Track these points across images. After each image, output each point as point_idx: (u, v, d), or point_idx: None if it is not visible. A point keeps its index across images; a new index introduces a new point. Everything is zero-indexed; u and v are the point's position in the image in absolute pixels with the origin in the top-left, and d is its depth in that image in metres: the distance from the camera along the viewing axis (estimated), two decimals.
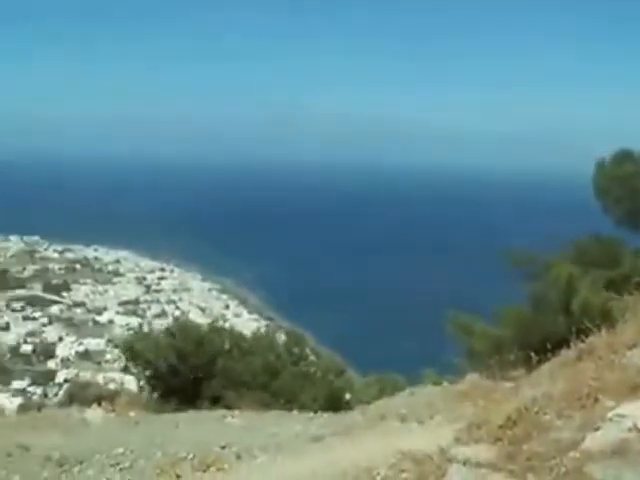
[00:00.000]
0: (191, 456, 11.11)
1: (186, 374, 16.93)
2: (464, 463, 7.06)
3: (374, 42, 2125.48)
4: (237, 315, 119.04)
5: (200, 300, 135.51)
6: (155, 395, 17.55)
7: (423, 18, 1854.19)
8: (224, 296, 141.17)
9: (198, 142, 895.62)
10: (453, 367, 18.14)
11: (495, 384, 13.22)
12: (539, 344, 12.99)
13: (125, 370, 18.93)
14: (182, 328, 18.65)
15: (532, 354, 11.78)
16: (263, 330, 26.85)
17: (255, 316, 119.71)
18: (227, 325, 21.28)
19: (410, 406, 13.59)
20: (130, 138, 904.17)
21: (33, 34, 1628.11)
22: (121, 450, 11.54)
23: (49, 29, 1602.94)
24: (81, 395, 16.40)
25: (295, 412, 14.93)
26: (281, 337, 19.69)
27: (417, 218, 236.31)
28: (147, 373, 17.79)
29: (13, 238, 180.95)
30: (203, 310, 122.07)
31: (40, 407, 19.50)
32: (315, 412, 14.71)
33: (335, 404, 16.63)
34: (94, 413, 13.80)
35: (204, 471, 10.63)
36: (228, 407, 15.28)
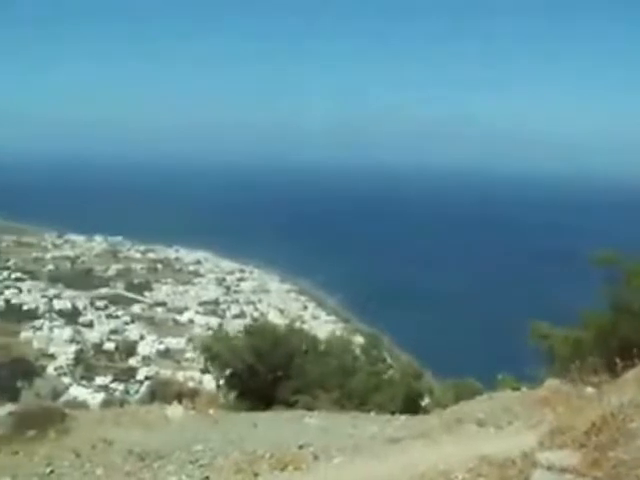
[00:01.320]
0: (269, 455, 11.16)
1: (263, 374, 17.03)
2: (548, 468, 6.97)
3: (457, 45, 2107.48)
4: (315, 317, 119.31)
5: (278, 301, 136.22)
6: (233, 394, 17.71)
7: (512, 21, 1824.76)
8: (302, 297, 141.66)
9: (277, 143, 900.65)
10: (532, 372, 17.88)
11: (576, 390, 12.98)
12: (621, 350, 12.71)
13: (204, 369, 19.15)
14: (259, 329, 18.77)
15: (617, 360, 11.52)
16: (340, 332, 26.86)
17: (333, 318, 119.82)
18: (305, 327, 21.31)
19: (488, 411, 13.44)
20: (205, 142, 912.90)
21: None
22: (200, 447, 11.67)
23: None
24: (162, 392, 16.64)
25: (372, 414, 14.90)
26: (359, 339, 19.67)
27: (500, 220, 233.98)
28: (225, 373, 17.95)
29: (97, 238, 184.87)
30: (281, 311, 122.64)
31: (123, 403, 19.85)
32: (392, 414, 14.66)
33: (412, 407, 16.54)
34: (175, 410, 13.97)
35: (281, 470, 10.66)
36: (305, 407, 15.34)
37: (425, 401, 18.06)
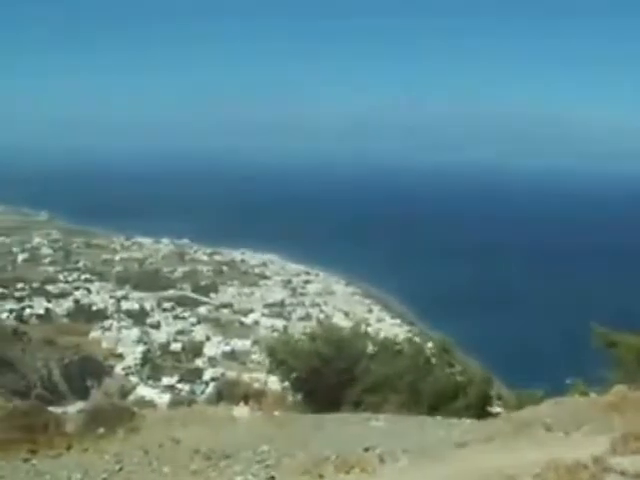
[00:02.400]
0: (334, 457, 11.15)
1: (329, 377, 17.03)
2: (622, 473, 6.86)
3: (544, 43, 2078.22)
4: (380, 320, 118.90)
5: (343, 304, 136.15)
6: (299, 396, 17.75)
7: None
8: (367, 300, 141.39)
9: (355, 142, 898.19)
10: (600, 378, 17.60)
11: None
12: None
13: (270, 371, 19.22)
14: (325, 332, 18.78)
15: None
16: (405, 335, 26.76)
17: (398, 321, 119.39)
18: (370, 330, 21.24)
19: (555, 416, 13.26)
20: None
21: None
22: (266, 448, 11.73)
23: None
24: (229, 393, 16.79)
25: (438, 417, 14.81)
26: (425, 343, 19.54)
27: (572, 222, 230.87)
28: (291, 375, 17.99)
29: (165, 240, 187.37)
30: (346, 314, 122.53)
31: (190, 403, 20.06)
32: (459, 418, 14.55)
33: (480, 411, 16.39)
34: (241, 411, 14.09)
35: (347, 472, 10.64)
36: (371, 410, 15.30)
37: (493, 406, 17.87)
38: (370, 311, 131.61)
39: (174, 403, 44.48)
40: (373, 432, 12.87)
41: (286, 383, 18.28)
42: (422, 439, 12.30)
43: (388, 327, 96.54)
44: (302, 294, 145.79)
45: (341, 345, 17.32)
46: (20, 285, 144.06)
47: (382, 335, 19.76)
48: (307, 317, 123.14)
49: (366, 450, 11.53)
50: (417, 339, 20.14)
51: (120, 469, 10.94)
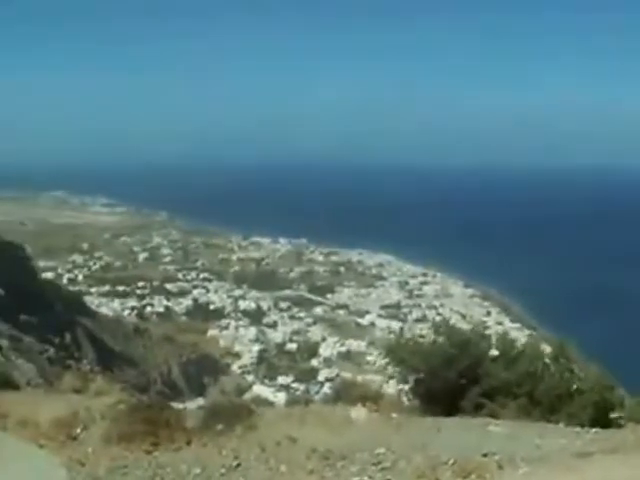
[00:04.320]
0: (452, 461, 11.00)
1: (449, 380, 16.81)
2: None
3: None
4: (499, 323, 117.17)
5: (461, 306, 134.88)
6: (417, 399, 17.59)
7: None
8: (486, 303, 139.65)
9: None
10: None
11: None
12: None
13: (387, 373, 19.14)
14: (446, 333, 18.55)
15: None
16: (526, 339, 26.21)
17: (517, 325, 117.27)
18: (489, 333, 20.88)
19: None
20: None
21: None
22: (383, 450, 11.65)
23: None
24: (347, 394, 16.76)
25: (560, 425, 14.41)
26: (545, 347, 19.06)
27: None
28: (409, 377, 17.86)
29: (282, 241, 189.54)
30: (464, 317, 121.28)
31: (307, 402, 20.14)
32: (581, 426, 14.11)
33: (603, 419, 15.87)
34: (358, 412, 14.03)
35: (464, 477, 10.48)
36: (491, 415, 15.04)
37: (616, 414, 17.27)
38: (488, 314, 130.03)
39: (290, 402, 44.91)
40: (492, 437, 12.62)
41: (404, 385, 18.16)
42: (542, 447, 11.98)
43: (507, 331, 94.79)
44: (419, 296, 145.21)
45: (463, 346, 17.06)
46: (141, 283, 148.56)
47: (502, 337, 19.31)
48: (424, 319, 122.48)
49: (484, 456, 11.32)
50: (537, 343, 19.64)
51: (237, 465, 11.07)
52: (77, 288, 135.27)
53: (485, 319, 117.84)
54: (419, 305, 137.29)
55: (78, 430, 12.21)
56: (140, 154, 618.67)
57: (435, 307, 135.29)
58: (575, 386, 16.58)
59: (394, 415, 14.52)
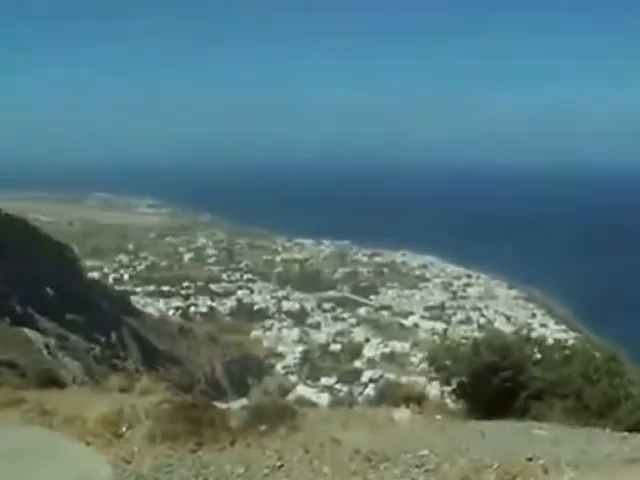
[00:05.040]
0: (496, 465, 10.90)
1: (492, 383, 16.69)
2: None
3: None
4: (543, 325, 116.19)
5: (505, 308, 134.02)
6: (461, 401, 17.50)
7: None
8: (530, 305, 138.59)
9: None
10: None
11: None
12: None
13: (430, 375, 19.06)
14: (488, 336, 18.44)
15: None
16: (572, 342, 25.91)
17: (563, 327, 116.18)
18: (533, 335, 20.68)
19: None
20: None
21: None
22: (426, 452, 11.59)
23: None
24: (390, 395, 16.73)
25: (607, 430, 14.21)
26: (592, 350, 18.81)
27: None
28: (452, 380, 17.77)
29: (325, 242, 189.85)
30: (508, 318, 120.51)
31: (351, 404, 20.16)
32: (629, 432, 13.89)
33: None
34: (402, 413, 14.00)
35: None
36: (535, 418, 14.89)
37: None
38: (533, 316, 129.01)
39: (334, 403, 44.88)
40: (537, 441, 12.48)
41: (446, 388, 18.07)
42: (589, 452, 11.81)
43: (552, 333, 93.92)
44: (463, 297, 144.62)
45: (506, 350, 16.92)
46: (186, 284, 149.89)
47: (548, 341, 19.11)
48: (468, 321, 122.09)
49: (529, 460, 11.19)
50: (584, 345, 19.39)
51: (281, 466, 11.08)
52: (123, 288, 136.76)
53: (530, 321, 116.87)
54: (463, 307, 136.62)
55: (124, 428, 12.32)
56: (184, 154, 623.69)
57: (479, 309, 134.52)
58: (624, 390, 16.34)
59: (438, 417, 14.46)
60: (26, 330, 49.02)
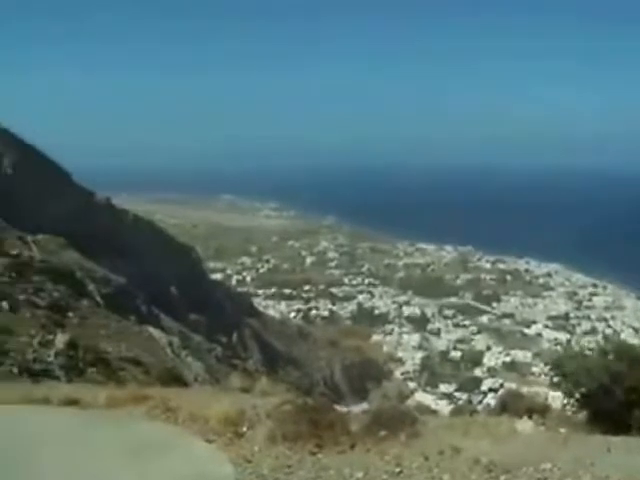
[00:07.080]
0: None
1: (619, 396, 16.19)
2: None
3: None
4: None
5: (634, 319, 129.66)
6: (584, 414, 17.04)
7: None
8: None
9: None
10: None
11: None
12: None
13: (552, 386, 18.62)
14: (616, 347, 17.89)
15: None
16: None
17: None
18: None
19: None
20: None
21: None
22: (549, 466, 11.32)
23: None
24: (513, 405, 16.44)
25: None
26: None
27: None
28: (577, 392, 17.33)
29: (448, 247, 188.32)
30: (636, 331, 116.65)
31: (472, 412, 19.94)
32: None
33: None
34: (524, 424, 13.73)
35: None
36: None
37: None
38: None
39: (454, 411, 44.57)
40: None
41: (569, 400, 17.64)
42: None
43: None
44: (588, 307, 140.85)
45: (634, 363, 16.38)
46: (307, 287, 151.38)
47: None
48: (593, 331, 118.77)
49: None
50: None
51: (400, 472, 11.03)
52: (245, 289, 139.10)
53: None
54: (588, 317, 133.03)
55: (245, 428, 12.50)
56: (312, 158, 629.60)
57: (605, 319, 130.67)
58: None
59: (562, 430, 14.12)
60: (151, 329, 50.25)
